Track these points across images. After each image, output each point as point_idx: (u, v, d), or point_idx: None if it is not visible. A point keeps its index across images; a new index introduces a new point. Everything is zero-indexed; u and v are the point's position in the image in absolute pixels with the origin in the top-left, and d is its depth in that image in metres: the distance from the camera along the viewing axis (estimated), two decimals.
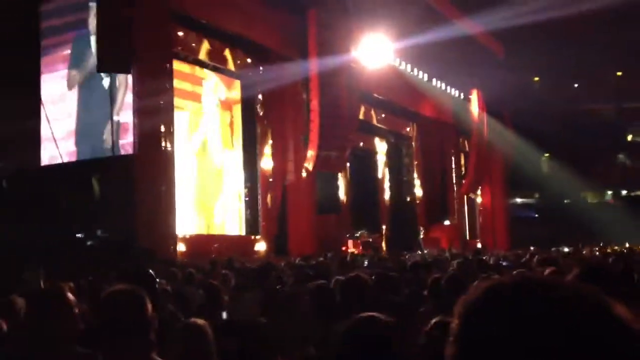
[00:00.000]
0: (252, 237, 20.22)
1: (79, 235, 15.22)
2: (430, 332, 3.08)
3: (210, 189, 19.43)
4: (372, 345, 2.37)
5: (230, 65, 19.70)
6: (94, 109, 16.68)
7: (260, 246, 19.88)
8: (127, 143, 15.70)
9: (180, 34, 17.47)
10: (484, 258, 12.54)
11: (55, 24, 17.21)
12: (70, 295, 3.12)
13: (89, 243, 15.08)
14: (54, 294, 3.13)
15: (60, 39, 17.23)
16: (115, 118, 16.14)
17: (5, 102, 14.29)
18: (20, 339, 3.36)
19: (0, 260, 11.14)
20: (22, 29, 15.80)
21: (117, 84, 16.22)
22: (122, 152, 15.81)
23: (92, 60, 15.76)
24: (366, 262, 13.00)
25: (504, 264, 10.39)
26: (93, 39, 16.03)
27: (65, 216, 14.56)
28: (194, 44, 18.38)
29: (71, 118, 17.01)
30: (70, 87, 17.10)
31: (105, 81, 16.30)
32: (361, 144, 27.08)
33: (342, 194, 25.25)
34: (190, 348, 3.16)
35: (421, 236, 27.70)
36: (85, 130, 16.89)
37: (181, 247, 16.23)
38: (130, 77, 14.97)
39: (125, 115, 15.96)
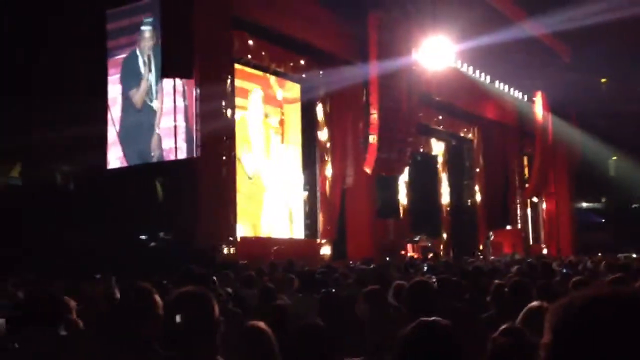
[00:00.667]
0: (311, 240, 20.26)
1: (142, 237, 15.56)
2: (497, 338, 3.01)
3: (266, 192, 19.53)
4: (434, 351, 2.31)
5: (290, 69, 19.81)
6: (139, 114, 17.06)
7: (319, 250, 19.91)
8: (174, 148, 15.86)
9: (242, 39, 17.64)
10: (549, 264, 12.23)
11: (121, 26, 17.63)
12: (157, 297, 3.17)
13: (152, 245, 15.40)
14: (144, 294, 3.18)
15: (122, 42, 17.63)
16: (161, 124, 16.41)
17: (73, 105, 14.69)
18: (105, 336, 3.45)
19: (70, 260, 11.48)
20: (89, 31, 16.22)
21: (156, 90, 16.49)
22: (172, 157, 15.99)
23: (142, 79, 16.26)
24: (426, 267, 12.85)
25: (564, 271, 10.11)
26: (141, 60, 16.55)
27: (130, 218, 14.91)
28: (254, 49, 18.54)
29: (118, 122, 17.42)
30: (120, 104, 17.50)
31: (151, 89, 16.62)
32: (421, 147, 26.86)
33: (401, 198, 25.08)
34: (253, 351, 3.17)
35: (491, 238, 27.19)
36: (131, 134, 17.26)
37: (242, 249, 16.40)
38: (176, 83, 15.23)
39: (168, 120, 16.25)
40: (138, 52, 17.07)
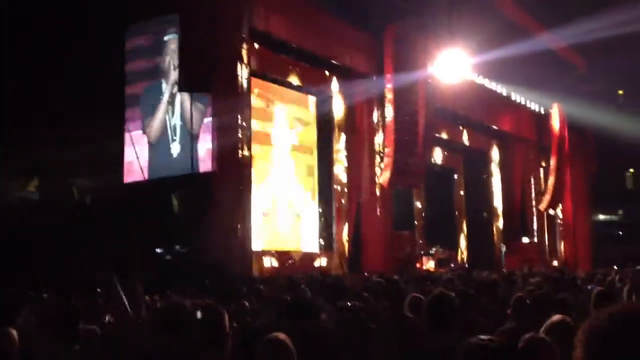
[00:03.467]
0: (326, 253, 20.21)
1: (158, 250, 15.60)
2: (522, 349, 2.97)
3: (283, 205, 19.53)
4: None
5: (307, 82, 19.86)
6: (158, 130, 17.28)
7: (334, 262, 19.86)
8: (190, 161, 16.03)
9: (259, 52, 17.70)
10: (567, 277, 12.12)
11: (139, 44, 17.82)
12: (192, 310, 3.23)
13: (167, 258, 15.43)
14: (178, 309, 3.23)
15: (143, 62, 17.85)
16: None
17: (92, 121, 14.83)
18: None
19: (83, 274, 11.50)
20: (109, 47, 16.38)
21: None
22: (189, 171, 16.11)
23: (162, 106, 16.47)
24: (444, 279, 12.74)
25: (589, 287, 9.99)
26: (164, 86, 16.74)
27: (146, 232, 14.95)
28: (271, 62, 18.59)
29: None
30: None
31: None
32: (438, 159, 26.78)
33: (417, 211, 24.99)
34: None
35: (504, 251, 27.02)
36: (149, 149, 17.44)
37: (257, 263, 16.40)
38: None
39: (185, 134, 16.46)
40: (160, 72, 17.29)
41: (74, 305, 4.04)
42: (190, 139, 16.25)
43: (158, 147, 17.35)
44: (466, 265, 24.79)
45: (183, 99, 16.73)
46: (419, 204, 25.31)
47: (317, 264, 19.23)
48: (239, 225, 14.70)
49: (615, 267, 19.41)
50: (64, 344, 3.63)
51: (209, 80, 14.49)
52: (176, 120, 17.08)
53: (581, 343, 0.82)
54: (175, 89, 16.71)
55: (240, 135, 14.90)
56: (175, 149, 17.12)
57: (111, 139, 16.77)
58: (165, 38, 17.31)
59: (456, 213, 28.43)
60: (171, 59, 17.10)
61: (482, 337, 2.34)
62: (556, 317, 3.44)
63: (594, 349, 0.80)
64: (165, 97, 17.38)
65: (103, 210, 15.55)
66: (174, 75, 16.81)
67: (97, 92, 15.58)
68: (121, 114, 17.50)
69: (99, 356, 3.69)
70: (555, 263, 30.57)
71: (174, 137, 17.03)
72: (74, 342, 3.72)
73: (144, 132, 17.52)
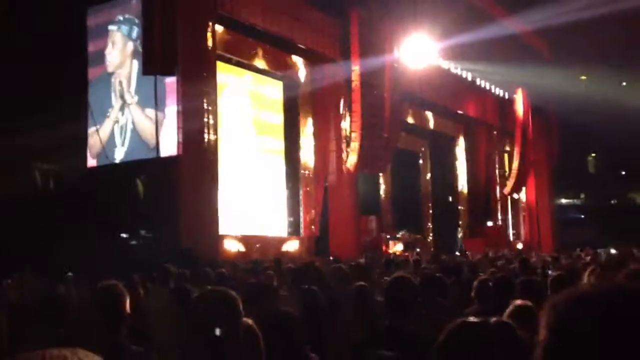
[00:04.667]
0: (294, 237, 20.25)
1: (123, 235, 15.46)
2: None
3: (250, 189, 19.49)
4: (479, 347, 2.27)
5: (273, 67, 19.76)
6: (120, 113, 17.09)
7: (302, 247, 19.91)
8: (155, 145, 15.91)
9: (226, 35, 17.55)
10: (530, 260, 12.33)
11: (100, 22, 17.57)
12: (124, 293, 3.19)
13: (132, 243, 15.31)
14: (109, 292, 3.19)
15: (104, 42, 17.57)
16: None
17: (54, 105, 14.56)
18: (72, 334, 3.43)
19: (48, 259, 11.37)
20: (69, 29, 16.08)
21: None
22: (153, 155, 15.98)
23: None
24: (409, 263, 12.87)
25: (550, 271, 10.16)
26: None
27: (111, 217, 14.80)
28: (237, 46, 18.46)
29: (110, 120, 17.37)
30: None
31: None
32: (404, 144, 26.94)
33: (383, 195, 25.12)
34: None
35: (459, 236, 27.41)
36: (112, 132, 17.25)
37: (224, 247, 16.37)
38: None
39: (149, 118, 16.31)
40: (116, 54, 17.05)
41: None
42: (155, 123, 16.08)
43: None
44: (432, 249, 25.03)
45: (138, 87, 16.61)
46: (385, 189, 25.46)
47: (284, 248, 19.25)
48: (205, 210, 14.62)
49: (578, 250, 19.80)
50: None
51: (173, 63, 14.32)
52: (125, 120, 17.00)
53: (546, 323, 0.83)
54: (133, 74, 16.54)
55: (205, 119, 14.78)
56: (119, 153, 17.08)
57: (74, 122, 16.51)
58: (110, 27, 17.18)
59: (422, 198, 28.68)
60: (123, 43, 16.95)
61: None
62: (518, 302, 3.50)
63: (558, 329, 0.81)
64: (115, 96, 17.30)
65: (66, 195, 15.34)
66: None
67: (58, 73, 15.30)
68: (84, 96, 17.24)
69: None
70: (519, 246, 31.04)
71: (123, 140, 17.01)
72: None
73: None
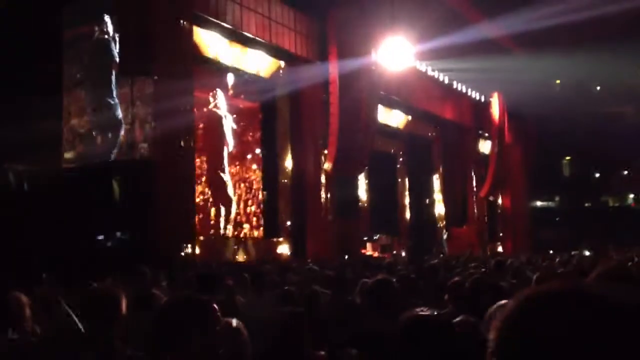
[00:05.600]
0: (271, 239, 20.21)
1: (99, 237, 15.31)
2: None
3: (229, 191, 19.43)
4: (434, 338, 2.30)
5: (251, 68, 19.72)
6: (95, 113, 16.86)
7: (279, 249, 19.88)
8: (131, 146, 15.76)
9: (201, 36, 17.48)
10: (505, 262, 12.41)
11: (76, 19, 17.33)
12: (120, 295, 3.15)
13: (108, 245, 15.16)
14: (107, 296, 3.16)
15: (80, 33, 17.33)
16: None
17: (28, 102, 14.38)
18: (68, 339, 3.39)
19: (21, 261, 11.22)
20: (44, 21, 15.87)
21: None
22: (129, 156, 15.83)
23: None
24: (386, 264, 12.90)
25: (527, 272, 10.24)
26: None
27: (86, 218, 14.65)
28: (214, 46, 18.40)
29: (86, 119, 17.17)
30: None
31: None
32: (381, 146, 27.02)
33: (361, 197, 25.17)
34: (227, 348, 3.16)
35: (445, 237, 27.53)
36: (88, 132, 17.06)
37: (201, 249, 16.30)
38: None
39: (124, 118, 16.13)
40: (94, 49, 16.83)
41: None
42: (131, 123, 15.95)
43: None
44: (408, 251, 25.15)
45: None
46: (362, 191, 25.51)
47: (262, 250, 19.21)
48: (181, 211, 14.55)
49: (551, 252, 20.01)
50: None
51: (151, 63, 14.23)
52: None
53: (496, 326, 0.83)
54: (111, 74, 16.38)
55: (182, 120, 14.72)
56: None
57: (49, 122, 16.31)
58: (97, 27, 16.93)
59: (399, 200, 28.79)
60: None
61: (421, 311, 2.40)
62: (499, 303, 3.52)
63: (506, 331, 0.81)
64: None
65: (41, 196, 15.15)
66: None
67: (33, 71, 15.12)
68: (59, 93, 17.01)
69: (36, 346, 3.58)
70: (499, 249, 31.31)
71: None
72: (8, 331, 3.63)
73: None
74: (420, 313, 2.36)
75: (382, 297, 3.90)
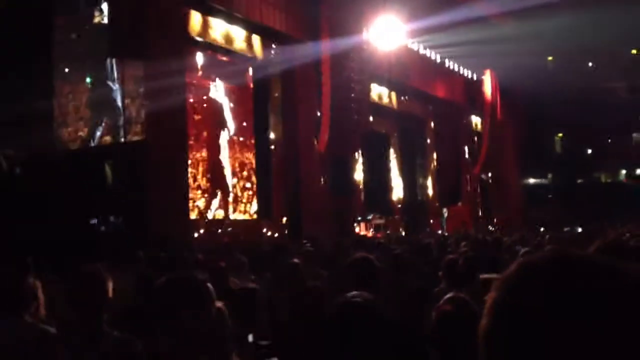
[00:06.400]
0: (265, 220, 20.22)
1: (92, 221, 15.28)
2: (442, 307, 3.05)
3: (223, 172, 19.41)
4: (358, 322, 2.30)
5: (243, 47, 19.58)
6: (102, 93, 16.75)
7: (274, 229, 19.90)
8: (123, 129, 15.73)
9: (193, 16, 17.33)
10: (499, 238, 12.47)
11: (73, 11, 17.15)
12: (106, 278, 3.15)
13: (102, 229, 15.14)
14: (91, 276, 3.15)
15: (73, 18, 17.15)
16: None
17: (18, 81, 14.24)
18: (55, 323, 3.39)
19: (15, 248, 11.20)
20: (34, 6, 15.71)
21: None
22: (121, 139, 15.78)
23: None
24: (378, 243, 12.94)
25: (518, 248, 10.31)
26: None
27: (79, 202, 14.60)
28: (205, 27, 18.25)
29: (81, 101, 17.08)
30: None
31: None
32: (374, 126, 26.98)
33: (354, 176, 25.16)
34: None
35: (445, 215, 27.57)
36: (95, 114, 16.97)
37: (195, 231, 16.31)
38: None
39: (117, 101, 16.06)
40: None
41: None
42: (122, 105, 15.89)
43: None
44: (402, 230, 25.22)
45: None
46: (356, 170, 25.48)
47: (256, 231, 19.22)
48: (175, 194, 14.54)
49: (542, 229, 20.10)
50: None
51: (142, 45, 14.12)
52: None
53: (495, 287, 0.84)
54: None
55: (175, 102, 14.64)
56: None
57: (42, 107, 16.20)
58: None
59: (393, 179, 28.81)
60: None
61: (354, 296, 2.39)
62: (485, 276, 3.55)
63: (504, 292, 0.82)
64: None
65: (32, 181, 15.08)
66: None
67: (25, 58, 14.99)
68: (51, 69, 16.86)
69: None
70: (490, 227, 31.43)
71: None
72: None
73: None
74: (350, 297, 2.36)
75: (363, 275, 3.87)
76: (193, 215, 17.21)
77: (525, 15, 24.37)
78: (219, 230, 17.66)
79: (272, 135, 20.80)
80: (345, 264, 4.04)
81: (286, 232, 19.83)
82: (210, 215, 18.54)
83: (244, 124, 20.47)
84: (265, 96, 20.86)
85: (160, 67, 14.38)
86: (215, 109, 19.34)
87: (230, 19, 18.35)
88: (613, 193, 36.22)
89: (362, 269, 3.77)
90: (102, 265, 3.30)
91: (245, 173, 20.31)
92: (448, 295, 3.03)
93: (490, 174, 34.17)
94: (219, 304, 3.28)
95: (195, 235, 16.31)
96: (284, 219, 20.29)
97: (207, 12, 17.65)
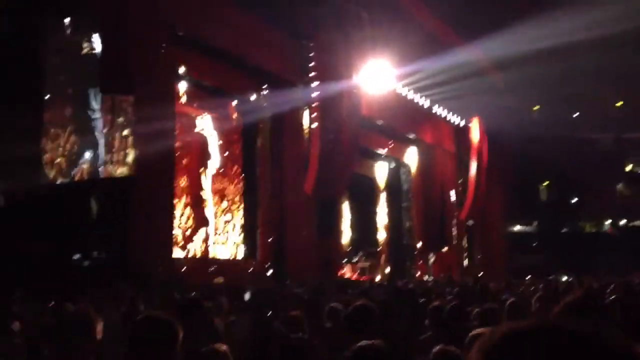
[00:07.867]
0: (250, 261, 20.08)
1: (75, 256, 15.12)
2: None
3: (206, 211, 19.34)
4: None
5: (233, 89, 19.68)
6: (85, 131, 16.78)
7: (258, 270, 19.74)
8: (110, 165, 15.71)
9: (185, 57, 17.41)
10: (484, 287, 12.46)
11: (59, 41, 17.24)
12: (94, 317, 3.11)
13: (85, 264, 14.99)
14: (80, 316, 3.11)
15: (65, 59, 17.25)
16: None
17: (9, 122, 14.26)
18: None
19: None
20: (26, 48, 15.80)
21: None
22: (107, 175, 15.73)
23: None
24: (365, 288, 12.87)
25: (503, 297, 10.29)
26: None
27: (63, 237, 14.48)
28: (196, 67, 18.33)
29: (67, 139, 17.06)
30: None
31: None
32: (361, 169, 27.05)
33: (340, 219, 25.13)
34: None
35: (431, 260, 27.50)
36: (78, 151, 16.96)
37: (178, 269, 16.13)
38: None
39: (103, 137, 16.09)
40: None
41: None
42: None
43: None
44: (387, 274, 25.13)
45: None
46: (343, 213, 25.47)
47: (240, 271, 19.07)
48: (159, 232, 14.44)
49: (527, 278, 20.08)
50: None
51: (132, 83, 14.16)
52: None
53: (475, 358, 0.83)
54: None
55: (163, 140, 14.63)
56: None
57: (29, 139, 16.17)
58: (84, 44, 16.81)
59: (379, 222, 28.77)
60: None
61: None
62: (477, 331, 3.52)
63: None
64: None
65: (18, 214, 14.96)
66: None
67: (14, 88, 15.01)
68: (40, 111, 16.90)
69: None
70: (479, 273, 31.35)
71: None
72: None
73: None
74: (365, 344, 2.46)
75: (362, 322, 3.88)
76: (177, 251, 17.10)
77: (512, 63, 24.74)
78: (209, 269, 17.48)
79: (258, 177, 20.73)
80: (347, 312, 4.04)
81: (270, 273, 19.69)
82: (192, 249, 18.40)
83: (232, 161, 20.46)
84: (252, 139, 20.84)
85: (149, 107, 14.37)
86: (199, 143, 19.34)
87: (219, 58, 18.40)
88: (597, 243, 36.35)
89: (361, 315, 3.78)
90: (88, 304, 3.26)
91: (230, 211, 20.24)
92: (438, 347, 3.00)
93: (475, 220, 34.21)
94: (223, 347, 3.30)
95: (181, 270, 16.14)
96: (269, 261, 20.15)
97: (196, 51, 17.71)
